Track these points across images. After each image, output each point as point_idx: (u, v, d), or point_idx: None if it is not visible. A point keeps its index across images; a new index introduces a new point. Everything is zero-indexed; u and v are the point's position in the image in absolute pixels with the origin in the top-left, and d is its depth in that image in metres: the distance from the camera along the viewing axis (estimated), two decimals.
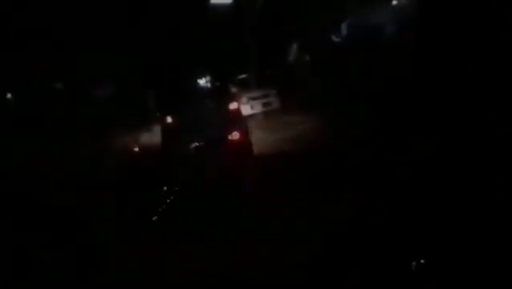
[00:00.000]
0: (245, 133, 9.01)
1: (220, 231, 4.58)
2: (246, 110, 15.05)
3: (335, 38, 17.63)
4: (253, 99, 15.19)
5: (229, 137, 8.67)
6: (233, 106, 9.88)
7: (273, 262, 3.56)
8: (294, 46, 20.22)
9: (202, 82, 17.17)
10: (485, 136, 4.78)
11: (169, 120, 9.49)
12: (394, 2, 13.70)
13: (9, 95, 14.98)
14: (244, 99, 15.33)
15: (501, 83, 5.85)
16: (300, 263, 3.42)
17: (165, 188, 7.06)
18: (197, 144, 9.06)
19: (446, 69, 7.38)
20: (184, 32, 19.37)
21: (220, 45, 20.38)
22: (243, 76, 17.11)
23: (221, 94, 11.30)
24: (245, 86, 16.25)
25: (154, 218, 5.65)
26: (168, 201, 6.36)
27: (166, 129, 9.73)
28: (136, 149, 11.12)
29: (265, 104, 15.09)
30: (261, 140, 9.96)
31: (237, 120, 9.77)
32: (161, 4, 18.17)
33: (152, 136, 13.81)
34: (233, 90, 16.05)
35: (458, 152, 4.76)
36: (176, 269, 3.86)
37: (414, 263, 2.87)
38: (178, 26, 19.09)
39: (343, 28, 16.94)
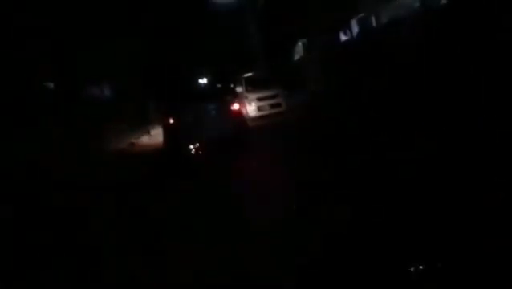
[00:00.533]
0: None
1: (220, 231, 4.58)
2: (252, 111, 13.97)
3: (343, 37, 17.23)
4: (261, 99, 14.03)
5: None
6: (234, 107, 9.91)
7: (272, 262, 3.57)
8: (300, 45, 20.04)
9: (203, 82, 16.87)
10: (486, 136, 4.78)
11: (170, 120, 9.53)
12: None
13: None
14: (250, 99, 14.21)
15: (503, 84, 5.85)
16: (300, 264, 3.42)
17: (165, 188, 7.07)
18: (198, 144, 9.10)
19: (450, 68, 7.40)
20: (184, 32, 19.39)
21: (221, 44, 20.37)
22: (249, 74, 15.76)
23: (222, 94, 11.24)
24: (251, 85, 14.98)
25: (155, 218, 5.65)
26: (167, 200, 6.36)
27: (167, 130, 9.77)
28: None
29: (273, 106, 13.91)
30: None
31: (239, 121, 9.81)
32: (161, 4, 18.19)
33: (152, 138, 13.82)
34: (238, 89, 14.86)
35: (458, 152, 4.76)
36: (176, 269, 3.86)
37: (413, 269, 2.87)
38: (178, 26, 19.11)
39: (353, 26, 16.62)
